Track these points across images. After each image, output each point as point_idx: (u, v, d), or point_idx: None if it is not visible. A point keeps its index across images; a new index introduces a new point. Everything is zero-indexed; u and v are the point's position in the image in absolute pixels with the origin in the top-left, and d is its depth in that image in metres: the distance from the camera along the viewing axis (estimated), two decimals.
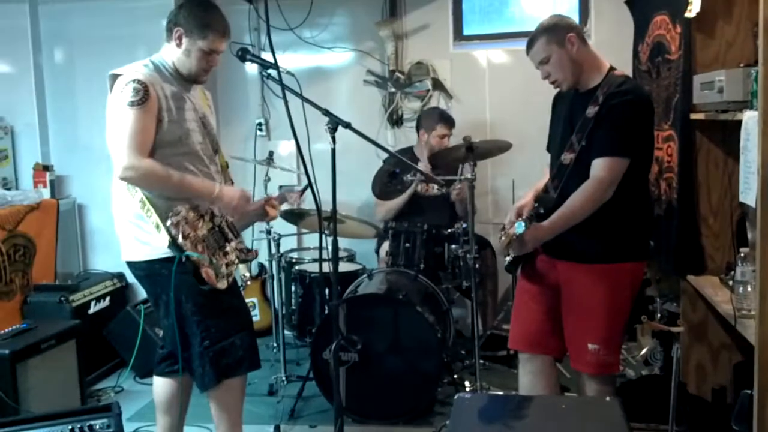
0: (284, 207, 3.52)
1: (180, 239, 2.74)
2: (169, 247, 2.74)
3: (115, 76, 2.85)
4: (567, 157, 2.85)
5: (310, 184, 2.89)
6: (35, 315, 4.19)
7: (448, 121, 4.78)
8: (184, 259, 2.74)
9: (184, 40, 2.86)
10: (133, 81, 2.74)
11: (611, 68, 2.89)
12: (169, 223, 2.74)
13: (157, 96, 2.78)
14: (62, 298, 4.28)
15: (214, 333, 2.89)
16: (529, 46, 2.92)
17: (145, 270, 2.88)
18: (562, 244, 2.88)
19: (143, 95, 2.72)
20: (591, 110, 2.79)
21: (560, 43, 2.84)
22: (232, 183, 3.20)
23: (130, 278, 4.40)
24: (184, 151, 2.88)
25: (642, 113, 2.78)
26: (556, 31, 2.86)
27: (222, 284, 2.84)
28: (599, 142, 2.75)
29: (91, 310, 4.47)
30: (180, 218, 2.77)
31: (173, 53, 2.90)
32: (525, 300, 3.11)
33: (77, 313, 4.29)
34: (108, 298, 4.64)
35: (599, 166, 2.74)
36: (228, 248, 2.95)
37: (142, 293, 4.55)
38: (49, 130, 5.15)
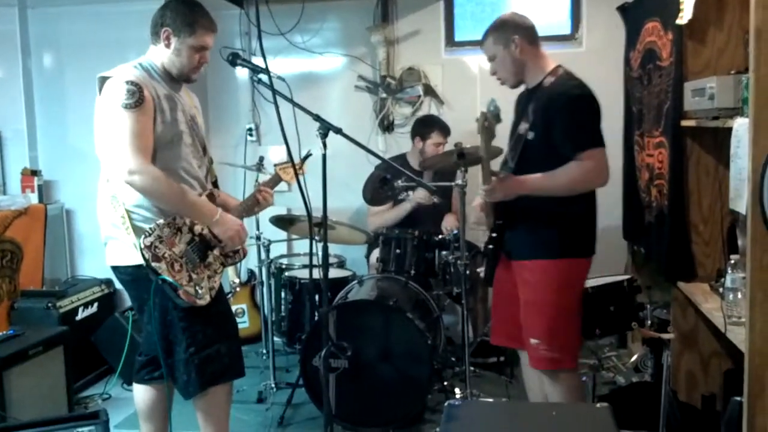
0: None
1: (153, 262, 2.72)
2: (146, 267, 2.73)
3: (104, 79, 2.83)
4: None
5: (301, 191, 2.89)
6: (22, 321, 4.15)
7: (443, 129, 4.78)
8: (160, 282, 2.72)
9: (173, 40, 2.85)
10: (128, 82, 2.72)
11: (556, 67, 3.01)
12: (141, 245, 2.72)
13: (152, 97, 2.76)
14: (50, 305, 4.24)
15: (201, 340, 2.86)
16: (481, 43, 3.08)
17: (131, 275, 2.86)
18: (513, 244, 3.04)
19: (139, 97, 2.70)
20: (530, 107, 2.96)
21: (505, 43, 2.98)
22: (216, 179, 3.18)
23: (119, 284, 4.38)
24: (176, 154, 2.87)
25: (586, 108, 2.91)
26: (502, 31, 3.00)
27: (203, 300, 2.82)
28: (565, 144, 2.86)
29: (79, 317, 4.44)
30: (153, 238, 2.74)
31: (162, 54, 2.89)
32: (498, 301, 3.30)
33: (65, 319, 4.25)
34: (96, 305, 4.60)
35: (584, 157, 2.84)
36: (210, 257, 2.93)
37: (130, 300, 4.53)
38: (37, 135, 5.12)
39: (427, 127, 4.83)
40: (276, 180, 3.31)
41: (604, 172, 2.85)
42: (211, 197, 3.03)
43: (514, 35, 2.96)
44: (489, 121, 2.86)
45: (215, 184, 3.17)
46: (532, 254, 2.99)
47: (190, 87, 3.10)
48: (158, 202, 2.77)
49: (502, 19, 3.06)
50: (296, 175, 2.80)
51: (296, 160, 2.79)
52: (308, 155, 2.79)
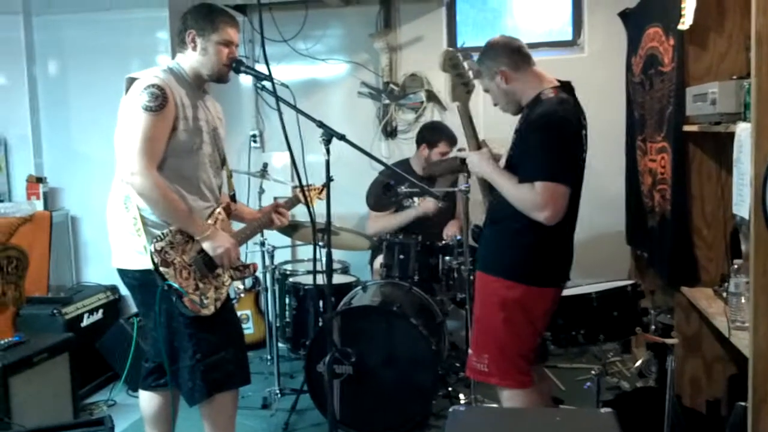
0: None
1: (162, 267, 2.72)
2: (154, 272, 2.73)
3: (132, 80, 2.84)
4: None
5: (304, 195, 2.91)
6: (28, 328, 4.16)
7: (451, 138, 4.75)
8: (166, 287, 2.72)
9: (198, 41, 2.88)
10: (152, 86, 2.73)
11: (544, 90, 2.83)
12: (152, 248, 2.72)
13: (175, 103, 2.77)
14: (55, 311, 4.25)
15: (206, 347, 2.87)
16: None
17: (139, 279, 2.86)
18: (478, 254, 3.04)
19: (161, 101, 2.71)
20: (516, 126, 2.90)
21: (491, 76, 2.89)
22: (235, 193, 3.20)
23: (124, 291, 4.39)
24: (195, 163, 2.88)
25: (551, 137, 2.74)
26: (487, 62, 2.89)
27: (207, 310, 2.82)
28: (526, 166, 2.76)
29: (84, 323, 4.44)
30: (165, 243, 2.75)
31: (190, 58, 2.91)
32: None
33: (70, 325, 4.26)
34: (101, 311, 4.60)
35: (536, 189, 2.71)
36: (220, 269, 2.94)
37: (135, 306, 4.54)
38: (42, 142, 5.13)
39: (435, 135, 4.80)
40: (294, 202, 3.33)
41: (549, 209, 2.67)
42: (227, 210, 3.04)
43: (498, 67, 2.85)
44: (455, 59, 2.81)
45: (233, 198, 3.18)
46: (481, 266, 2.95)
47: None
48: (152, 208, 2.77)
49: (486, 48, 2.92)
50: (304, 198, 2.86)
51: (299, 168, 2.79)
52: (330, 180, 2.81)
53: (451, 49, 2.82)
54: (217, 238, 2.87)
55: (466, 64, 2.84)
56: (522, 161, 2.76)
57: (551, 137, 2.71)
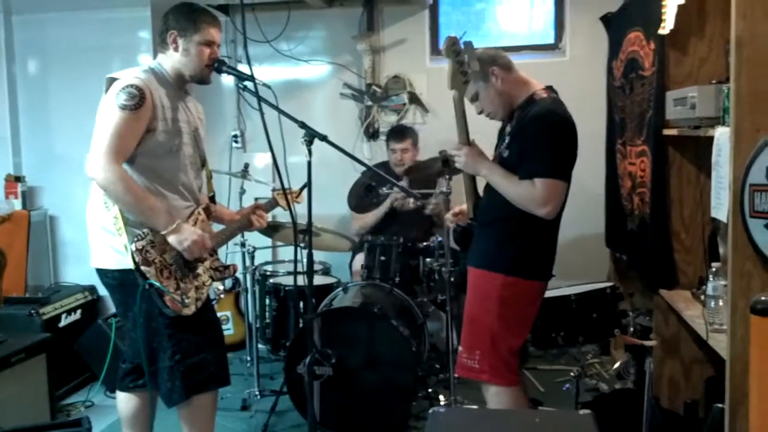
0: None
1: (143, 266, 2.70)
2: (135, 271, 2.71)
3: (112, 79, 2.82)
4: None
5: (285, 197, 2.90)
6: (5, 328, 4.09)
7: (396, 138, 4.81)
8: (147, 286, 2.71)
9: (180, 41, 2.86)
10: (131, 86, 2.72)
11: (537, 91, 2.92)
12: (133, 248, 2.70)
13: (153, 104, 2.75)
14: (32, 311, 4.21)
15: (186, 347, 2.84)
16: None
17: (118, 279, 2.83)
18: (470, 250, 3.03)
19: (138, 101, 2.70)
20: (508, 128, 2.94)
21: (485, 78, 2.92)
22: (214, 194, 3.19)
23: (102, 291, 4.36)
24: (176, 164, 2.87)
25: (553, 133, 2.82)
26: (482, 69, 2.90)
27: (188, 309, 2.80)
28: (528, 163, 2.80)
29: (62, 324, 4.41)
30: (145, 242, 2.73)
31: (172, 58, 2.89)
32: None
33: (48, 326, 4.22)
34: (79, 311, 4.57)
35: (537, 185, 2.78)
36: (200, 269, 2.92)
37: (113, 306, 4.51)
38: (21, 141, 5.09)
39: (387, 134, 4.94)
40: (273, 204, 3.34)
41: (550, 205, 2.75)
42: (207, 211, 3.03)
43: (491, 67, 2.90)
44: (457, 47, 2.83)
45: (212, 199, 3.17)
46: (474, 262, 2.97)
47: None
48: (115, 202, 2.74)
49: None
50: (285, 201, 2.83)
51: (281, 169, 2.79)
52: (305, 186, 2.81)
53: (455, 35, 2.85)
54: (182, 231, 2.81)
55: (466, 56, 2.85)
56: (520, 159, 2.80)
57: (551, 135, 2.78)
